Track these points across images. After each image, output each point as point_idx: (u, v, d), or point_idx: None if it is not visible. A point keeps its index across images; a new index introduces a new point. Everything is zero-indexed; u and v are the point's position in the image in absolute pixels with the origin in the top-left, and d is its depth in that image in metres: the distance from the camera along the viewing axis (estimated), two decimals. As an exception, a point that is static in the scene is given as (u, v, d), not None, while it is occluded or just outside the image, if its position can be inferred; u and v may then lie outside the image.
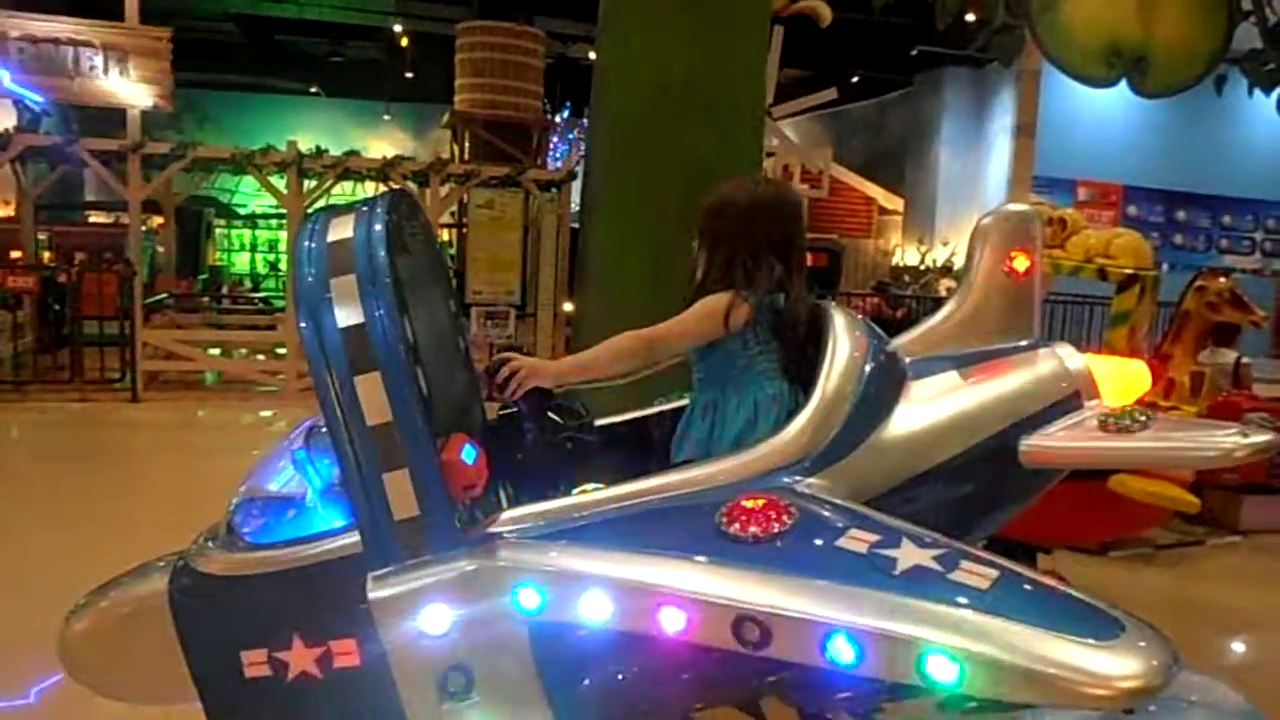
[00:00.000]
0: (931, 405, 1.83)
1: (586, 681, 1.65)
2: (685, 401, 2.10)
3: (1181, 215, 15.26)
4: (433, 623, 1.55)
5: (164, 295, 9.80)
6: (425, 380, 1.58)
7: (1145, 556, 4.43)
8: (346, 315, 1.53)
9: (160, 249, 11.11)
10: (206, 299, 12.40)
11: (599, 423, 2.14)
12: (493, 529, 1.63)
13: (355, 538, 1.63)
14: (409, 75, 16.91)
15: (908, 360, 1.96)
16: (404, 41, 15.27)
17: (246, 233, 16.89)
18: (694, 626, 1.44)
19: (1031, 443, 1.81)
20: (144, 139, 7.91)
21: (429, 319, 1.96)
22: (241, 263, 16.80)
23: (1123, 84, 5.44)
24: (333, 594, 1.65)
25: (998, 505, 1.94)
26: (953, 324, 2.12)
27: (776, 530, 1.51)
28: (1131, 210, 14.90)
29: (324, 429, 1.84)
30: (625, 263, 4.81)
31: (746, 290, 1.89)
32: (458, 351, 2.17)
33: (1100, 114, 13.34)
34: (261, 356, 9.00)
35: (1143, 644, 1.25)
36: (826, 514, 1.58)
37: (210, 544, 1.79)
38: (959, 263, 14.48)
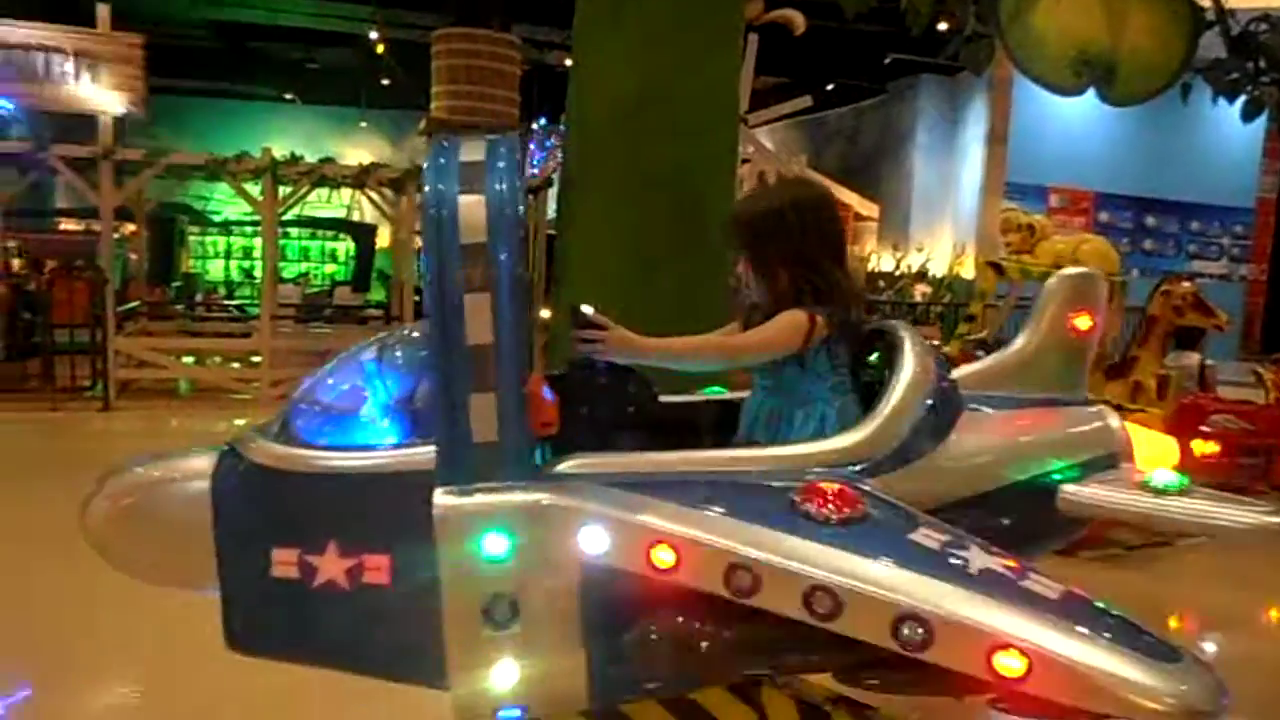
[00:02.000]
0: (983, 438, 1.93)
1: (624, 636, 1.66)
2: (741, 395, 2.16)
3: (1151, 221, 15.50)
4: (492, 547, 1.56)
5: (136, 303, 9.69)
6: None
7: (1116, 558, 4.48)
8: (470, 234, 1.56)
9: (133, 256, 10.98)
10: (180, 307, 12.26)
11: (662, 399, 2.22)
12: (564, 468, 1.67)
13: (416, 454, 1.65)
14: (385, 82, 16.84)
15: (966, 392, 2.05)
16: (380, 48, 15.21)
17: (221, 240, 16.73)
18: (763, 590, 1.47)
19: (1071, 491, 1.92)
20: (116, 145, 7.84)
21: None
22: (216, 270, 16.63)
23: (1091, 92, 5.52)
24: (380, 507, 1.67)
25: (1028, 543, 2.01)
26: (1014, 363, 2.25)
27: (850, 515, 1.56)
28: (1103, 216, 15.11)
29: (396, 345, 1.89)
30: (603, 271, 4.81)
31: (822, 306, 1.92)
32: (530, 296, 2.22)
33: (1071, 122, 13.53)
34: (236, 365, 8.91)
35: (1199, 671, 1.32)
36: (897, 510, 1.65)
37: (261, 435, 1.77)
38: (933, 269, 14.65)
